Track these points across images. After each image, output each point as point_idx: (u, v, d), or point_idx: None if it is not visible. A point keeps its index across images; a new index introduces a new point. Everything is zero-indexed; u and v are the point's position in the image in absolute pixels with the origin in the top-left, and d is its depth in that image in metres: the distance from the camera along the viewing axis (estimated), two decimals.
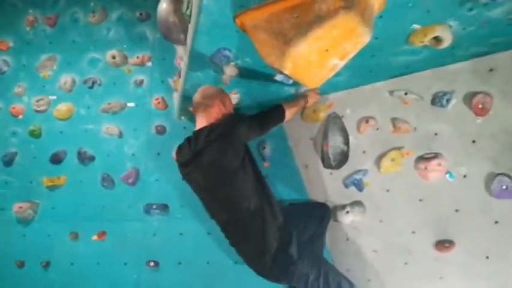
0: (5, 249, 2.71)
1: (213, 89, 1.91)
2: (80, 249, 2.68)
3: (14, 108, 2.80)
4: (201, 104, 1.88)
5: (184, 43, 1.71)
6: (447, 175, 1.93)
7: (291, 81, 1.81)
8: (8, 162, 2.77)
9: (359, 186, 2.26)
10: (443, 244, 1.97)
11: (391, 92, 2.09)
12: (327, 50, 1.24)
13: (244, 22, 1.29)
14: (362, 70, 1.93)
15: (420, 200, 2.04)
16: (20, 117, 2.80)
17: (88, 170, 2.74)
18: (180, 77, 2.07)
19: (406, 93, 2.03)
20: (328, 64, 1.34)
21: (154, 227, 2.67)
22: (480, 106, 1.80)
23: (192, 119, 2.18)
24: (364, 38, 1.22)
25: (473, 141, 1.85)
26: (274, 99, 2.20)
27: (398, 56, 1.77)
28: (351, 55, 1.31)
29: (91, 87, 2.80)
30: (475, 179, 1.86)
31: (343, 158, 2.26)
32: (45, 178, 2.73)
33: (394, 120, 2.10)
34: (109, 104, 2.77)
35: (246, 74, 1.86)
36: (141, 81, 2.79)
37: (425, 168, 1.97)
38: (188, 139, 1.92)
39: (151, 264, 2.62)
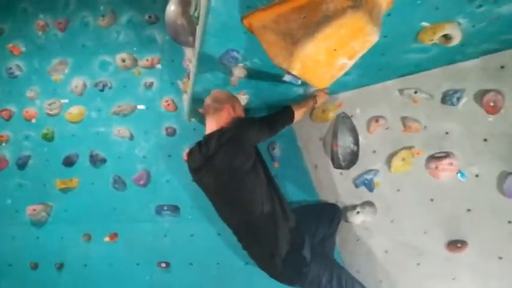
0: (19, 251, 2.75)
1: (224, 94, 1.95)
2: (92, 250, 2.71)
3: (27, 112, 2.84)
4: (212, 107, 1.91)
5: (192, 45, 1.72)
6: (458, 174, 1.90)
7: (299, 82, 1.81)
8: (22, 165, 2.81)
9: (369, 186, 2.25)
10: (455, 244, 1.94)
11: (401, 91, 2.07)
12: (335, 50, 1.24)
13: (252, 23, 1.29)
14: (371, 69, 1.92)
15: (431, 200, 2.02)
16: (33, 121, 2.85)
17: (100, 172, 2.77)
18: (189, 78, 2.08)
19: (416, 92, 2.01)
20: (337, 64, 1.33)
21: (165, 228, 2.69)
22: (491, 104, 1.77)
23: (202, 120, 2.19)
24: (372, 37, 1.21)
25: (485, 140, 1.83)
26: (283, 100, 2.20)
27: (408, 54, 1.76)
28: (360, 54, 1.30)
29: (102, 90, 2.83)
30: (486, 178, 1.83)
31: (353, 158, 2.25)
32: (58, 181, 2.76)
33: (404, 119, 2.08)
34: (119, 106, 2.80)
35: (254, 75, 1.87)
36: (151, 84, 2.82)
37: (436, 168, 1.95)
38: (199, 143, 1.94)
39: (163, 265, 2.64)
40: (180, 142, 2.72)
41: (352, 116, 2.29)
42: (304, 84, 1.92)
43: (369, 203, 2.28)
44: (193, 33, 1.64)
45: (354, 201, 2.34)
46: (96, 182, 2.76)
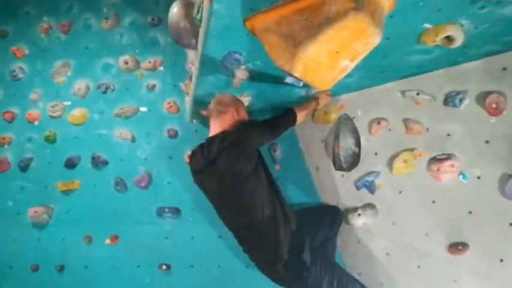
0: (20, 254, 2.75)
1: (228, 97, 1.96)
2: (93, 252, 2.71)
3: (29, 114, 2.85)
4: (216, 110, 1.92)
5: (195, 47, 1.72)
6: (460, 176, 1.90)
7: (301, 84, 1.81)
8: (24, 167, 2.81)
9: (371, 188, 2.25)
10: (456, 247, 1.93)
11: (403, 93, 2.07)
12: (337, 52, 1.24)
13: (255, 25, 1.29)
14: (373, 71, 1.92)
15: (433, 202, 2.01)
16: (36, 123, 2.85)
17: (101, 175, 2.77)
18: (191, 81, 2.08)
19: (418, 94, 2.01)
20: (339, 66, 1.33)
21: (166, 230, 2.70)
22: (494, 106, 1.77)
23: (204, 122, 2.20)
24: (374, 38, 1.22)
25: (487, 142, 1.82)
26: (285, 102, 2.20)
27: (410, 56, 1.76)
28: (362, 56, 1.30)
29: (104, 93, 2.84)
30: (488, 180, 1.82)
31: (354, 159, 2.25)
32: (60, 183, 2.77)
33: (406, 121, 2.08)
34: (122, 108, 2.81)
35: (256, 77, 1.87)
36: (153, 86, 2.82)
37: (438, 170, 1.94)
38: (201, 145, 1.94)
39: (164, 267, 2.64)
40: (182, 144, 2.72)
41: (353, 118, 2.29)
42: (306, 85, 1.92)
43: (370, 205, 2.27)
44: (195, 35, 1.64)
45: (355, 203, 2.34)
46: (97, 184, 2.77)
